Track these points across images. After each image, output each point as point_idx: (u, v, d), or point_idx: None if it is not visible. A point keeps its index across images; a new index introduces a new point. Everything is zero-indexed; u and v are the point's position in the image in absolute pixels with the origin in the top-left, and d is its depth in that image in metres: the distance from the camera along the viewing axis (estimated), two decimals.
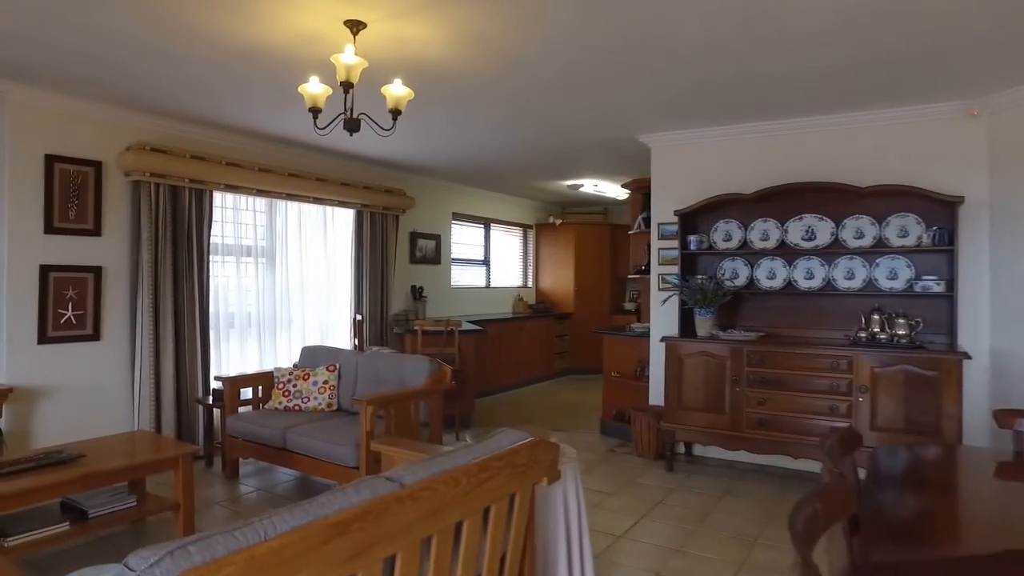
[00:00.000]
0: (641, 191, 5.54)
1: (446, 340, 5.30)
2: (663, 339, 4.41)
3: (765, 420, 4.02)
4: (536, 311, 8.60)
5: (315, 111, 2.99)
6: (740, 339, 4.18)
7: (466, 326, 5.97)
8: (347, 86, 2.78)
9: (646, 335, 5.13)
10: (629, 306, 9.13)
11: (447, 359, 5.32)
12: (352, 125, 2.97)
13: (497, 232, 8.54)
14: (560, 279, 8.99)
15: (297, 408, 4.22)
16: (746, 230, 4.54)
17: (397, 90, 2.99)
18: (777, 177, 4.37)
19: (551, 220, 9.03)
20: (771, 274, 4.49)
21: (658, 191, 5.01)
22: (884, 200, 4.08)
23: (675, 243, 4.85)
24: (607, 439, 5.39)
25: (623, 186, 5.80)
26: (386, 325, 6.30)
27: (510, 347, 7.56)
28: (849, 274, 4.24)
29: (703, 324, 4.35)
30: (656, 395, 4.95)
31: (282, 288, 5.49)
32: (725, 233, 4.62)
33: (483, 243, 8.31)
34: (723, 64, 3.33)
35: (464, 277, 7.93)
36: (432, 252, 7.21)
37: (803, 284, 4.35)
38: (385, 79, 3.32)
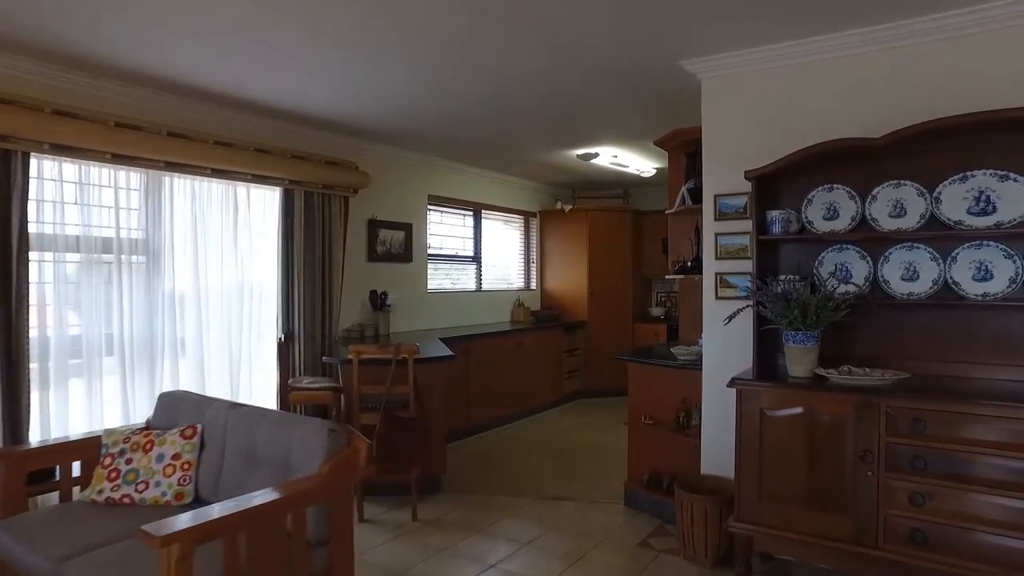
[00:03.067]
0: (684, 149, 3.76)
1: (396, 374, 3.60)
2: (734, 382, 2.65)
3: (923, 532, 2.26)
4: (540, 320, 6.88)
5: None
6: (871, 384, 2.43)
7: (432, 351, 4.27)
8: None
9: (695, 366, 3.39)
10: (656, 311, 7.38)
11: (398, 402, 3.62)
12: None
13: (491, 221, 6.82)
14: (570, 279, 7.25)
15: (127, 501, 2.55)
16: (864, 201, 2.78)
17: None
18: (913, 113, 2.59)
19: (559, 206, 7.29)
20: (910, 271, 2.71)
21: (714, 146, 3.26)
22: None
23: (743, 225, 3.11)
24: (635, 517, 3.66)
25: (656, 143, 4.01)
26: (332, 345, 4.63)
27: (505, 368, 5.85)
28: None
29: (800, 357, 2.60)
30: (715, 458, 3.22)
31: (167, 299, 3.84)
32: (827, 207, 2.87)
33: (472, 235, 6.60)
34: None
35: (446, 278, 6.22)
36: (400, 246, 5.52)
37: (971, 289, 2.58)
38: None
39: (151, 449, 2.65)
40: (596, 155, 5.46)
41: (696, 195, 3.51)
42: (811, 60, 2.96)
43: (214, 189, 4.10)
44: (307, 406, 4.42)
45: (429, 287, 5.86)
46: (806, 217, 2.90)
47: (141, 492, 2.56)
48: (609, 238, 7.16)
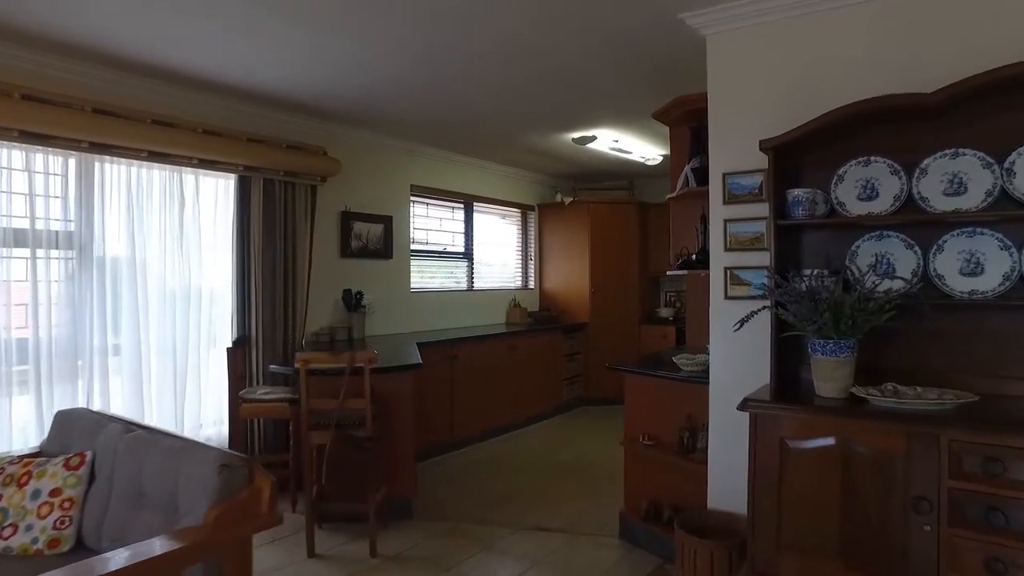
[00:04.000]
0: (687, 121, 3.20)
1: (350, 386, 3.09)
2: (747, 405, 2.10)
3: None
4: (538, 321, 6.35)
5: None
6: (926, 409, 1.88)
7: (403, 358, 3.76)
8: None
9: (700, 378, 2.85)
10: (665, 312, 6.82)
11: (353, 418, 3.12)
12: None
13: (484, 215, 6.31)
14: (571, 277, 6.71)
15: None
16: (910, 176, 2.22)
17: None
18: (972, 67, 2.01)
19: (559, 199, 6.76)
20: (972, 264, 2.15)
21: (722, 114, 2.71)
22: None
23: (758, 209, 2.57)
24: (631, 554, 3.12)
25: (656, 115, 3.43)
26: (295, 350, 4.14)
27: (496, 375, 5.33)
28: None
29: (831, 372, 2.04)
30: (725, 489, 2.68)
31: (98, 299, 3.36)
32: (863, 184, 2.31)
33: (463, 229, 6.08)
34: None
35: (432, 277, 5.72)
36: (378, 241, 5.02)
37: None
38: None
39: (27, 483, 2.16)
40: (593, 138, 4.92)
41: (702, 175, 2.96)
42: (841, 3, 2.41)
43: (155, 176, 3.62)
44: (262, 421, 3.94)
45: (412, 286, 5.36)
46: (836, 197, 2.35)
47: (7, 539, 2.07)
48: (613, 233, 6.61)
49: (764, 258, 2.51)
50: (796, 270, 2.30)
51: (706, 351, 3.13)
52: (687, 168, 3.09)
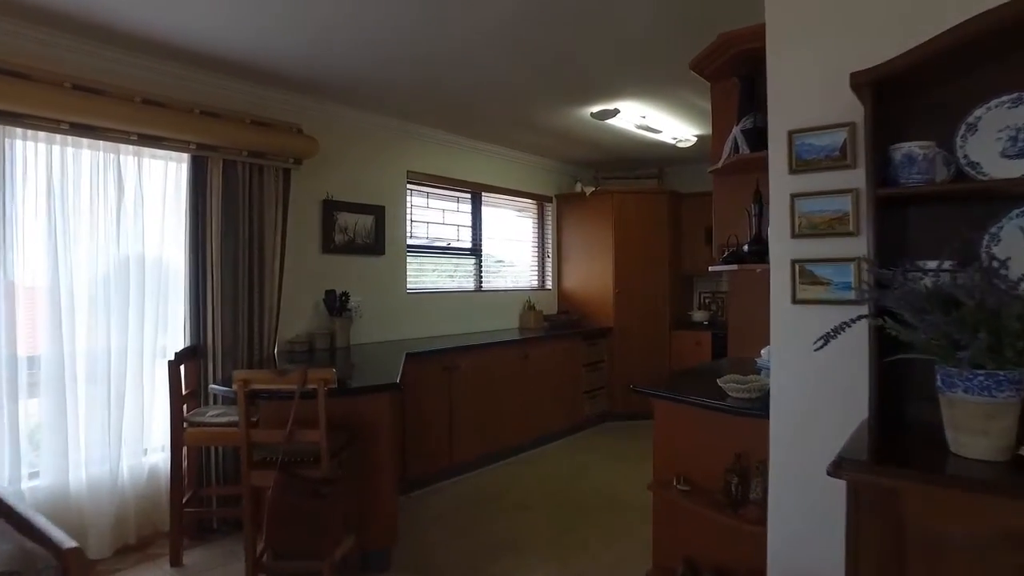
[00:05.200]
0: (735, 70, 2.44)
1: (300, 412, 2.43)
2: (844, 470, 1.36)
3: None
4: (555, 326, 5.65)
5: None
6: None
7: (380, 374, 3.10)
8: None
9: (755, 411, 2.12)
10: (699, 316, 6.06)
11: (305, 454, 2.47)
12: None
13: (494, 207, 5.63)
14: (593, 276, 5.99)
15: None
16: None
17: None
18: None
19: (579, 188, 6.05)
20: None
21: (788, 46, 1.98)
22: None
23: (841, 179, 1.84)
24: None
25: (693, 65, 2.59)
26: (264, 362, 3.52)
27: (505, 388, 4.64)
28: None
29: (985, 422, 1.29)
30: (793, 562, 1.95)
31: (5, 302, 2.77)
32: (1011, 135, 1.56)
33: (470, 223, 5.41)
34: None
35: (435, 275, 5.06)
36: (368, 235, 4.37)
37: None
38: None
39: None
40: (616, 112, 4.20)
41: (756, 138, 2.23)
42: None
43: (85, 157, 3.02)
44: (219, 449, 3.32)
45: (409, 286, 4.71)
46: (965, 156, 1.60)
47: None
48: (641, 226, 5.87)
49: (848, 246, 1.80)
50: (907, 262, 1.57)
51: (756, 363, 2.42)
52: (735, 130, 2.36)
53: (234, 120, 3.43)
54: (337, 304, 4.07)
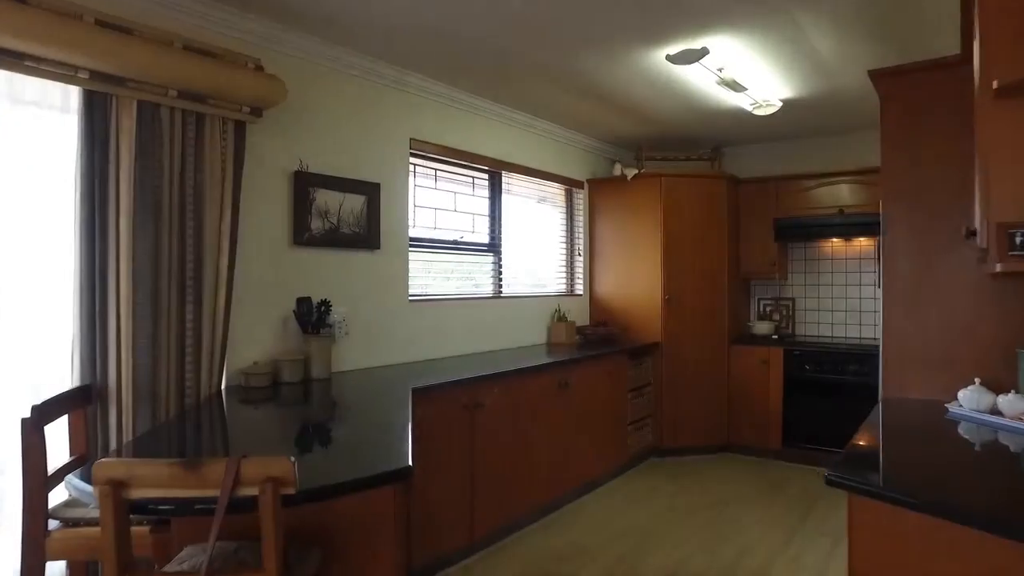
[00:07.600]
0: None
1: (231, 529, 1.28)
2: None
3: None
4: (591, 342, 4.52)
5: None
6: None
7: (375, 441, 1.92)
8: None
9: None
10: (762, 328, 4.96)
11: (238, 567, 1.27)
12: None
13: (517, 193, 4.47)
14: (635, 280, 4.86)
15: None
16: None
17: None
18: None
19: (619, 171, 4.91)
20: None
21: None
22: None
23: None
24: None
25: None
26: (204, 406, 2.35)
27: (538, 427, 3.49)
28: None
29: None
30: None
31: None
32: None
33: (488, 210, 4.26)
34: None
35: (441, 279, 3.89)
36: (357, 222, 3.20)
37: None
38: None
39: None
40: (703, 54, 3.05)
41: None
42: None
43: None
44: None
45: (411, 291, 3.55)
46: None
47: None
48: (694, 218, 4.76)
49: None
50: None
51: (948, 415, 1.32)
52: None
53: (155, 40, 2.25)
54: (314, 318, 2.90)
